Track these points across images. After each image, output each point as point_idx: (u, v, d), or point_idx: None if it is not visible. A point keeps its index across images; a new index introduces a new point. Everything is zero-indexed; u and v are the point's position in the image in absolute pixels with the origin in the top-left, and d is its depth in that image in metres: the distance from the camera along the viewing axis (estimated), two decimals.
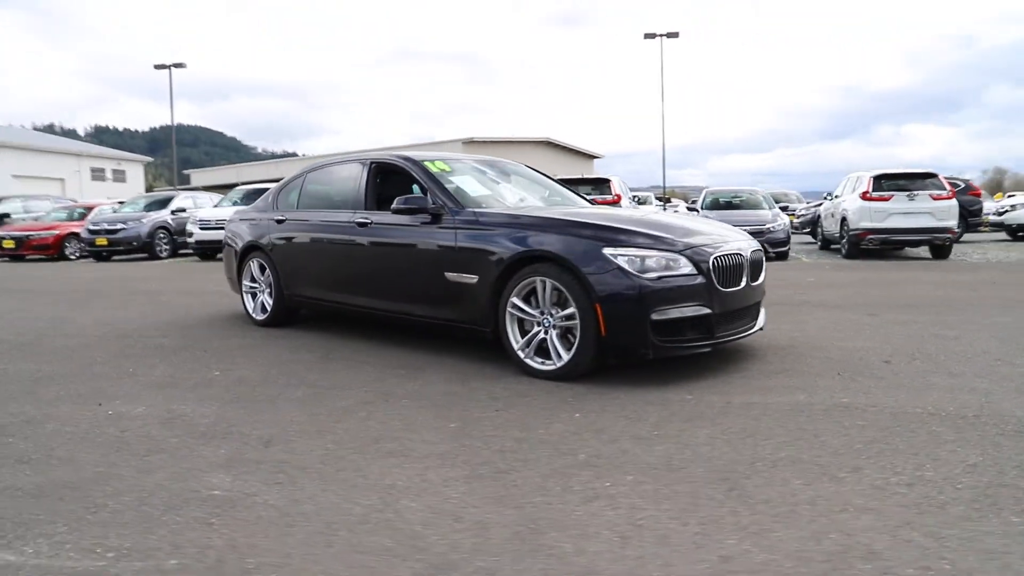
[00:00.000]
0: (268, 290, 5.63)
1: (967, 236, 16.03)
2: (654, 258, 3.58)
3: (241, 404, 3.42)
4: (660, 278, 3.54)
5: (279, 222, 5.50)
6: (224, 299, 7.25)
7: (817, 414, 3.05)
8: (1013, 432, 2.76)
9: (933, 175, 11.79)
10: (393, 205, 4.40)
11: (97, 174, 42.05)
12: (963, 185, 15.74)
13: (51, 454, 2.76)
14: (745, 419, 3.01)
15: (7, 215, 18.87)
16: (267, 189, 14.36)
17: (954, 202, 11.47)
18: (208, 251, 14.53)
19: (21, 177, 35.24)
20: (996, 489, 2.22)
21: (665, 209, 22.32)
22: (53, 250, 16.17)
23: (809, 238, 17.75)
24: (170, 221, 15.97)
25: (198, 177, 50.41)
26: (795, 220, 18.42)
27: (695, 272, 3.62)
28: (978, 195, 16.53)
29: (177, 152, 34.45)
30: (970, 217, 15.37)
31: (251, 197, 14.46)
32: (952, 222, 11.35)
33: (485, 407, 3.27)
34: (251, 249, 5.74)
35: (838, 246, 12.90)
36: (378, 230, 4.69)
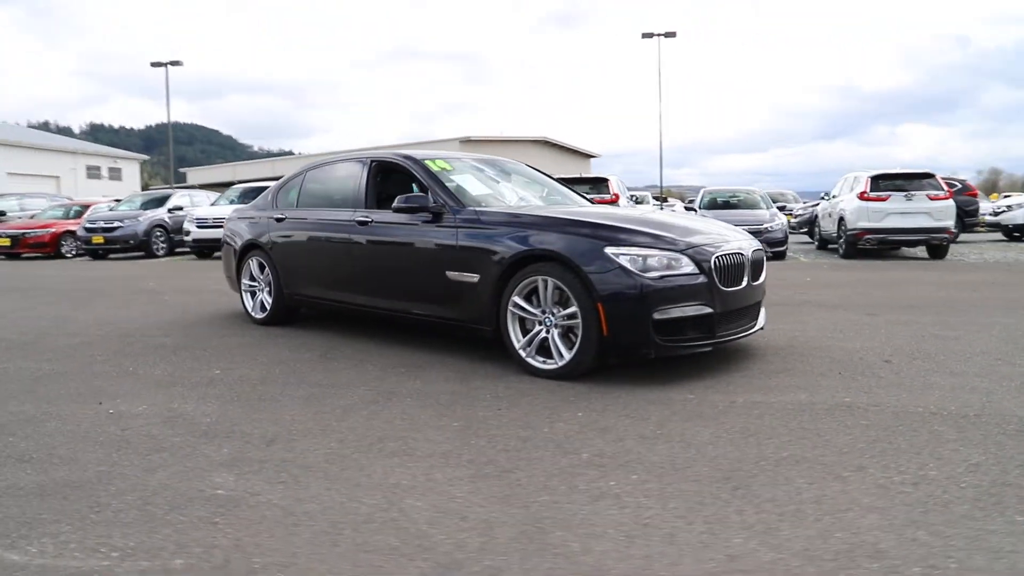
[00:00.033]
0: (267, 289, 5.61)
1: (963, 236, 16.08)
2: (656, 257, 3.58)
3: (243, 403, 3.41)
4: (662, 277, 3.54)
5: (279, 220, 5.49)
6: (223, 298, 7.23)
7: (819, 413, 3.06)
8: (1015, 431, 2.77)
9: (930, 175, 11.83)
10: (394, 204, 4.39)
11: (93, 172, 41.90)
12: (960, 185, 15.80)
13: (53, 453, 2.74)
14: (748, 418, 3.01)
15: (3, 213, 18.78)
16: (264, 187, 14.37)
17: (951, 202, 11.51)
18: (205, 249, 14.49)
19: (16, 175, 35.08)
20: (1000, 488, 2.23)
21: (662, 208, 22.34)
22: (49, 248, 16.11)
23: (806, 238, 17.78)
24: (167, 219, 15.92)
25: (194, 175, 50.28)
26: (792, 220, 18.44)
27: (697, 271, 3.62)
28: (975, 195, 16.60)
29: (173, 150, 34.34)
30: (967, 217, 15.42)
31: (248, 195, 14.43)
32: (949, 222, 11.39)
33: (488, 406, 3.27)
34: (250, 247, 5.73)
35: (835, 246, 12.92)
36: (379, 229, 4.68)
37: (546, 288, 3.73)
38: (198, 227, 14.19)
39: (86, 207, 17.62)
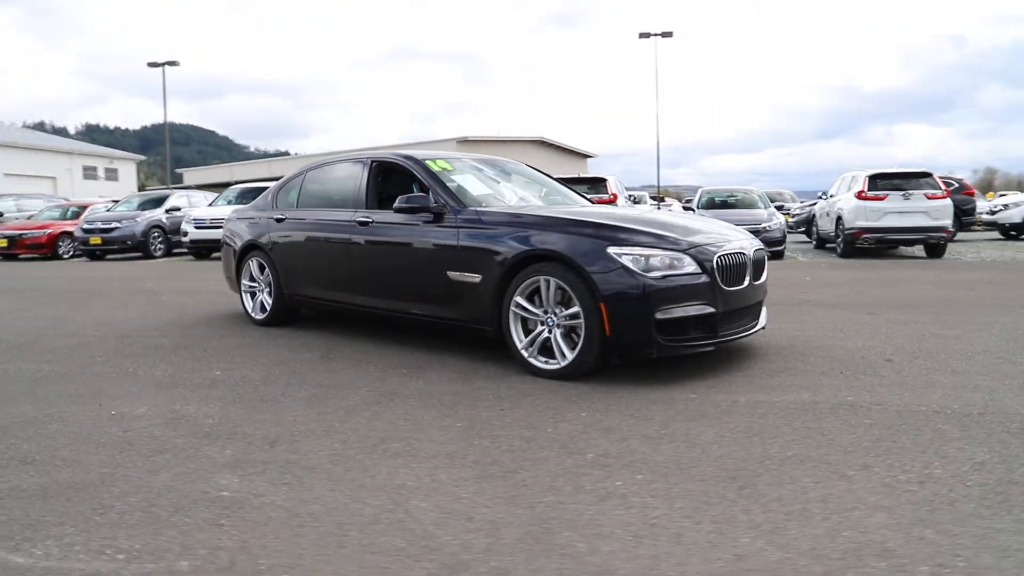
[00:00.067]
0: (267, 289, 5.60)
1: (961, 235, 16.13)
2: (658, 257, 3.58)
3: (244, 404, 3.40)
4: (664, 277, 3.54)
5: (279, 221, 5.48)
6: (221, 298, 7.22)
7: (823, 412, 3.06)
8: (1019, 429, 2.77)
9: (928, 174, 11.85)
10: (395, 204, 4.39)
11: (89, 172, 41.79)
12: (957, 184, 15.83)
13: (55, 455, 2.73)
14: (751, 418, 3.01)
15: (0, 214, 18.73)
16: (261, 188, 14.34)
17: (949, 201, 11.53)
18: (203, 250, 14.46)
19: (12, 176, 34.98)
20: (1006, 486, 2.23)
21: (660, 208, 22.36)
22: (47, 249, 16.06)
23: (804, 237, 17.81)
24: (164, 220, 15.88)
25: (191, 176, 50.17)
26: (790, 219, 18.48)
27: (699, 271, 3.62)
28: (972, 194, 16.63)
29: (169, 151, 34.26)
30: (964, 216, 15.45)
31: (246, 196, 14.40)
32: (947, 221, 11.41)
33: (491, 406, 3.26)
34: (250, 248, 5.71)
35: (833, 245, 12.95)
36: (379, 229, 4.67)
37: (548, 288, 3.72)
38: (196, 228, 14.16)
39: (83, 208, 17.58)
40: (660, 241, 3.67)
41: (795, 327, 5.11)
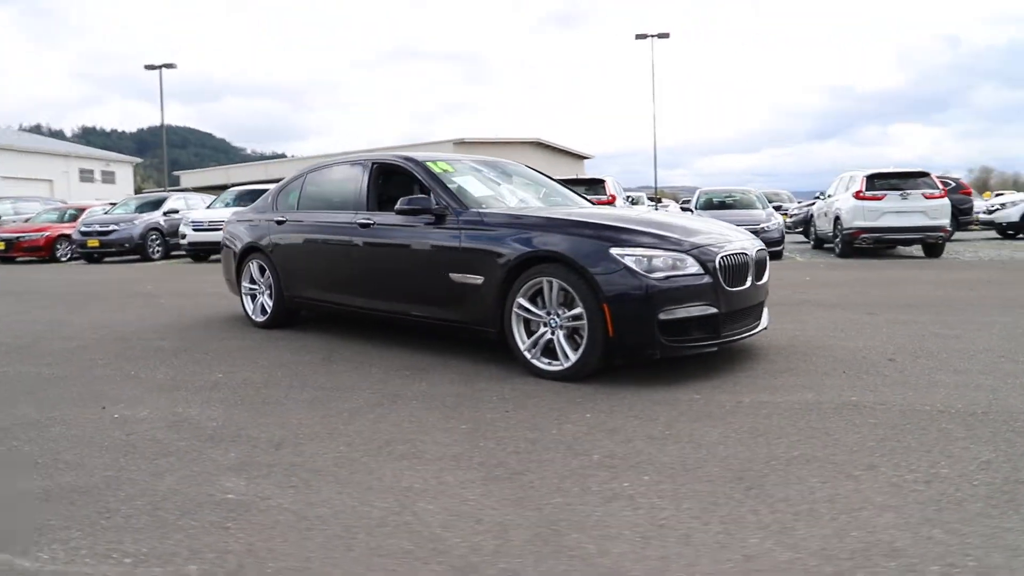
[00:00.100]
0: (268, 292, 5.59)
1: (958, 234, 16.16)
2: (661, 258, 3.58)
3: (247, 407, 3.39)
4: (667, 278, 3.54)
5: (279, 223, 5.47)
6: (221, 301, 7.20)
7: (827, 412, 3.06)
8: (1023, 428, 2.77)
9: (925, 174, 11.89)
10: (397, 206, 4.38)
11: (86, 175, 41.70)
12: (954, 184, 15.87)
13: (58, 458, 2.72)
14: (755, 418, 3.01)
15: None
16: (259, 190, 14.32)
17: (946, 201, 11.56)
18: (201, 253, 14.42)
19: (8, 178, 34.89)
20: (1013, 486, 2.23)
21: (657, 209, 22.38)
22: (44, 252, 16.02)
23: (802, 237, 17.85)
24: (162, 223, 15.83)
25: (188, 178, 50.10)
26: (787, 220, 18.52)
27: (702, 272, 3.62)
28: (969, 194, 16.68)
29: (166, 153, 34.19)
30: (961, 216, 15.49)
31: (244, 198, 14.38)
32: (945, 221, 11.44)
33: (495, 408, 3.26)
34: (250, 250, 5.70)
35: (831, 245, 12.96)
36: (381, 231, 4.67)
37: (551, 289, 3.72)
38: (194, 230, 14.12)
39: (81, 210, 17.54)
40: (662, 242, 3.67)
41: (796, 327, 5.11)
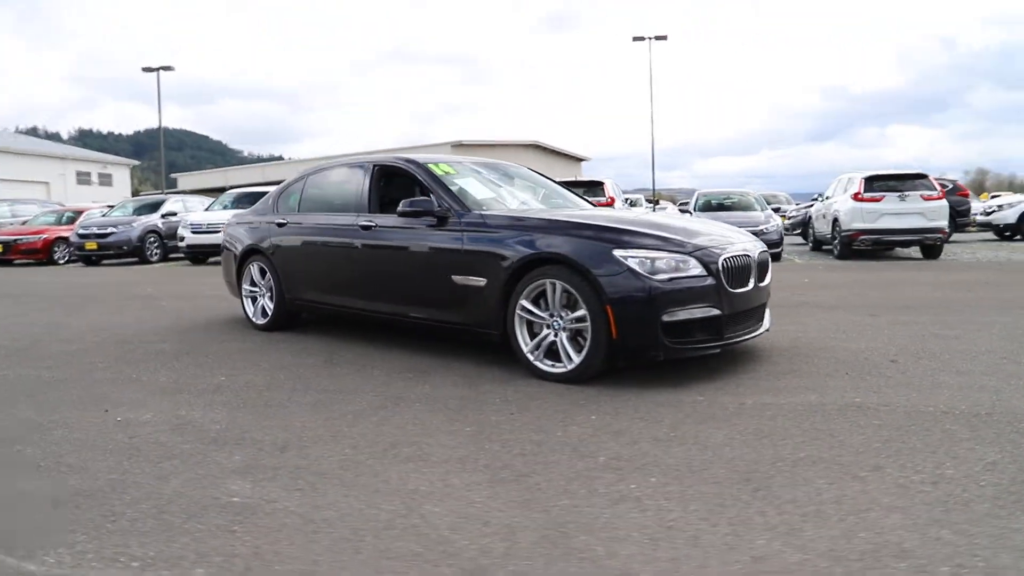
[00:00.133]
0: (269, 294, 5.58)
1: (956, 236, 16.21)
2: (664, 260, 3.58)
3: (250, 409, 3.38)
4: (671, 279, 3.54)
5: (280, 225, 5.46)
6: (221, 303, 7.19)
7: (831, 414, 3.06)
8: None
9: (923, 176, 11.92)
10: (399, 208, 4.38)
11: (83, 178, 41.64)
12: (951, 186, 15.92)
13: (61, 461, 2.71)
14: (759, 420, 3.01)
15: None
16: (258, 192, 14.31)
17: (944, 202, 11.60)
18: (200, 255, 14.40)
19: (5, 181, 34.82)
20: (1020, 486, 2.24)
21: (655, 211, 22.40)
22: (42, 254, 15.97)
23: (800, 239, 17.88)
24: (160, 225, 15.80)
25: (185, 181, 50.05)
26: (785, 221, 18.55)
27: (705, 273, 3.62)
28: (966, 196, 16.75)
29: (164, 156, 34.15)
30: (958, 217, 15.54)
31: (242, 200, 14.37)
32: (943, 222, 11.47)
33: (499, 410, 3.25)
34: (251, 253, 5.69)
35: (830, 247, 12.99)
36: (382, 233, 4.66)
37: (554, 291, 3.72)
38: (193, 232, 14.10)
39: (79, 213, 17.50)
40: (666, 243, 3.67)
41: (796, 329, 5.12)
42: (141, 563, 1.90)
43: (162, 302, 7.84)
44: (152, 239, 15.60)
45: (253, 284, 5.72)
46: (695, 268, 3.61)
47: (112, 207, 17.90)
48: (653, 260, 3.56)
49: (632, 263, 3.53)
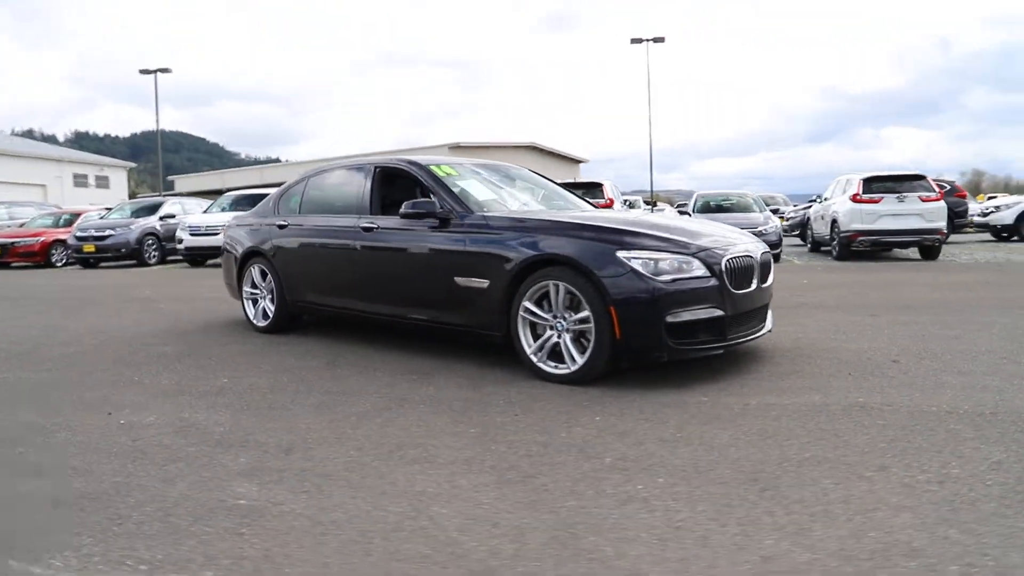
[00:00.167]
0: (270, 296, 5.57)
1: (953, 237, 16.25)
2: (668, 261, 3.58)
3: (254, 412, 3.37)
4: (674, 280, 3.54)
5: (281, 227, 5.45)
6: (220, 305, 7.18)
7: (835, 414, 3.06)
8: None
9: (922, 177, 11.96)
10: (401, 209, 4.37)
11: (80, 180, 41.56)
12: (949, 187, 15.97)
13: (66, 464, 2.70)
14: (764, 420, 3.01)
15: None
16: (256, 194, 14.29)
17: (943, 203, 11.63)
18: (198, 257, 14.37)
19: (1, 183, 34.73)
20: None
21: (653, 212, 22.42)
22: (39, 257, 15.94)
23: (798, 240, 17.91)
24: (158, 227, 15.77)
25: (182, 183, 49.98)
26: (784, 223, 18.58)
27: (708, 274, 3.63)
28: (964, 197, 16.81)
29: (161, 158, 34.09)
30: (956, 218, 15.59)
31: (241, 203, 14.35)
32: (941, 223, 11.51)
33: (503, 412, 3.25)
34: (252, 255, 5.68)
35: (828, 248, 13.02)
36: (384, 235, 4.66)
37: (557, 293, 3.71)
38: (191, 235, 14.06)
39: (76, 215, 17.45)
40: (669, 245, 3.67)
41: (797, 330, 5.13)
42: (149, 566, 1.89)
43: (161, 304, 7.82)
44: (150, 241, 15.57)
45: (254, 286, 5.71)
46: (698, 269, 3.62)
47: (110, 209, 17.88)
48: (656, 261, 3.56)
49: (636, 264, 3.53)
